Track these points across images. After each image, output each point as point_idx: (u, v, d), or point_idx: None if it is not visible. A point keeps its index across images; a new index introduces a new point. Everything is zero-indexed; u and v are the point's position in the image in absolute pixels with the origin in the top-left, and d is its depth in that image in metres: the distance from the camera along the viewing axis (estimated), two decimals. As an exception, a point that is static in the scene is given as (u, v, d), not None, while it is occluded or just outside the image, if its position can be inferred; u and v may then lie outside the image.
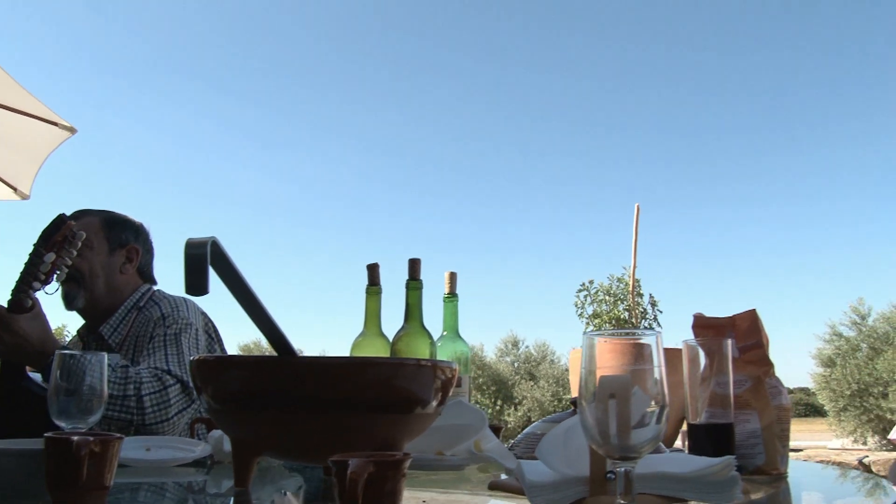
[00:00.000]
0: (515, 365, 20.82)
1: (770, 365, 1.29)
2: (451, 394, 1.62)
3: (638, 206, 2.85)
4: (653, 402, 0.88)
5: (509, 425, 18.88)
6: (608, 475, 0.92)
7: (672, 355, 1.38)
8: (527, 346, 21.65)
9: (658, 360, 0.88)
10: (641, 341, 0.91)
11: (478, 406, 1.56)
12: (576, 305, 3.59)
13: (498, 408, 19.54)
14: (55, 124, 3.88)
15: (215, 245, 0.81)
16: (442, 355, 1.75)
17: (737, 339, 1.30)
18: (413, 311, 1.65)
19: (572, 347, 4.04)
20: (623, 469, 0.85)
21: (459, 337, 1.78)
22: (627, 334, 0.93)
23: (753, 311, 1.32)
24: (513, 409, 19.64)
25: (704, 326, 1.33)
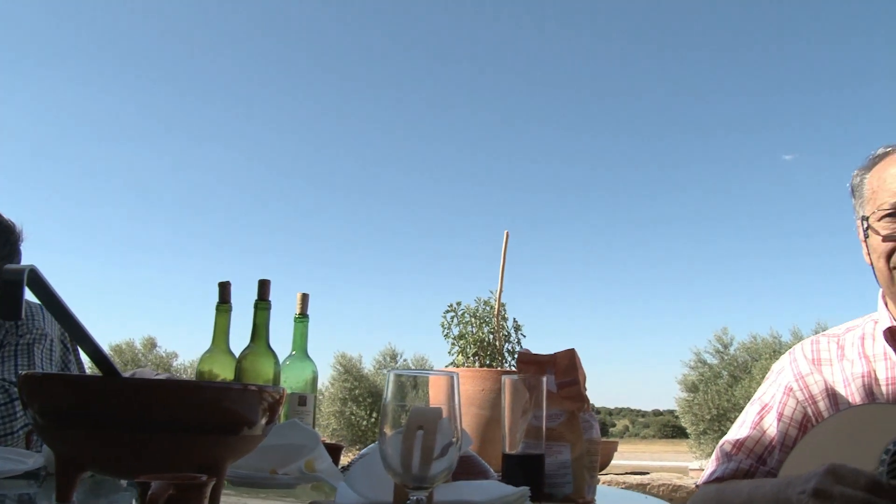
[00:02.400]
0: (393, 378, 20.81)
1: (584, 401, 1.39)
2: (292, 413, 1.67)
3: (507, 233, 2.94)
4: (453, 435, 0.95)
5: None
6: (408, 502, 0.99)
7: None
8: (405, 359, 21.67)
9: (457, 397, 0.96)
10: (445, 377, 0.98)
11: (311, 426, 1.60)
12: (442, 326, 3.65)
13: (374, 420, 19.50)
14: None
15: (33, 272, 0.83)
16: (289, 375, 1.79)
17: (556, 375, 1.40)
18: (260, 330, 1.68)
19: (444, 366, 4.10)
20: (416, 497, 0.92)
21: (307, 357, 1.82)
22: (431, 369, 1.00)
23: (572, 350, 1.42)
24: (388, 421, 19.61)
25: (527, 362, 1.42)
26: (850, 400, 1.59)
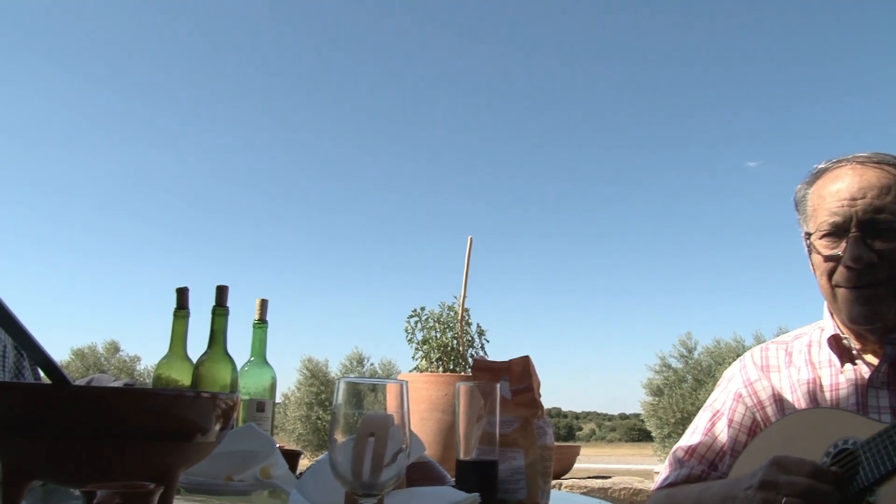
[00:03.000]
0: (360, 382, 20.67)
1: (538, 407, 1.41)
2: (251, 419, 1.67)
3: (471, 239, 2.95)
4: (403, 442, 0.96)
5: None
6: (358, 509, 1.00)
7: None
8: (372, 364, 21.61)
9: (407, 404, 0.97)
10: (396, 385, 0.99)
11: (270, 433, 1.60)
12: (406, 331, 3.65)
13: (340, 424, 19.41)
14: None
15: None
16: (247, 381, 1.79)
17: (511, 382, 1.41)
18: (217, 336, 1.68)
19: (408, 371, 4.10)
20: (366, 504, 0.93)
21: (266, 363, 1.83)
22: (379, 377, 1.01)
23: (527, 357, 1.43)
24: (355, 426, 19.51)
25: (482, 369, 1.44)
26: (796, 405, 1.63)
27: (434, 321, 3.87)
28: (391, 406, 0.97)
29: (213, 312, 1.69)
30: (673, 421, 18.90)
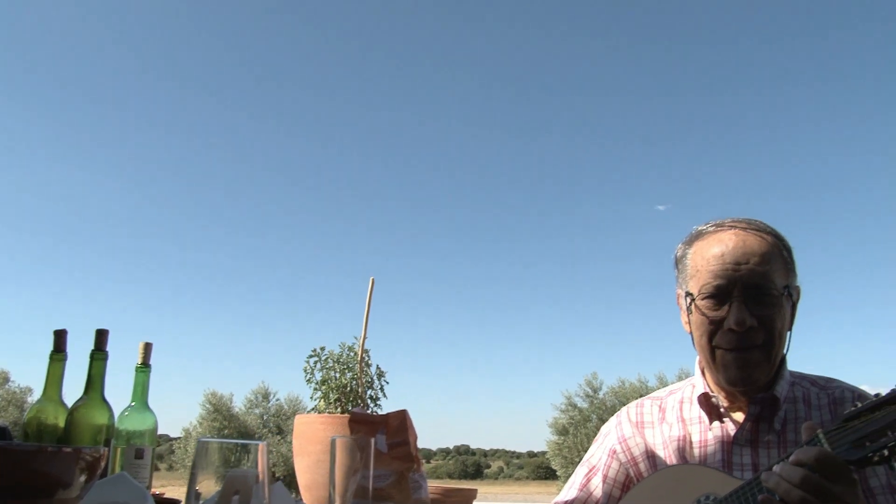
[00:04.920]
0: (264, 418, 20.29)
1: (413, 461, 1.42)
2: (129, 466, 1.64)
3: (372, 280, 2.97)
4: (265, 499, 0.97)
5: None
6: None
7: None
8: (278, 399, 21.25)
9: (266, 464, 0.98)
10: (260, 444, 0.99)
11: (148, 480, 1.58)
12: (305, 371, 3.61)
13: (242, 460, 18.93)
14: None
15: None
16: (126, 426, 1.75)
17: (387, 436, 1.43)
18: (94, 381, 1.65)
19: (306, 411, 4.05)
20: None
21: (147, 408, 1.79)
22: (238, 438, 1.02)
23: (404, 411, 1.46)
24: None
25: (359, 422, 1.45)
26: (668, 461, 1.69)
27: (334, 362, 3.86)
28: (253, 465, 0.97)
29: (91, 357, 1.66)
30: (577, 460, 19.14)
